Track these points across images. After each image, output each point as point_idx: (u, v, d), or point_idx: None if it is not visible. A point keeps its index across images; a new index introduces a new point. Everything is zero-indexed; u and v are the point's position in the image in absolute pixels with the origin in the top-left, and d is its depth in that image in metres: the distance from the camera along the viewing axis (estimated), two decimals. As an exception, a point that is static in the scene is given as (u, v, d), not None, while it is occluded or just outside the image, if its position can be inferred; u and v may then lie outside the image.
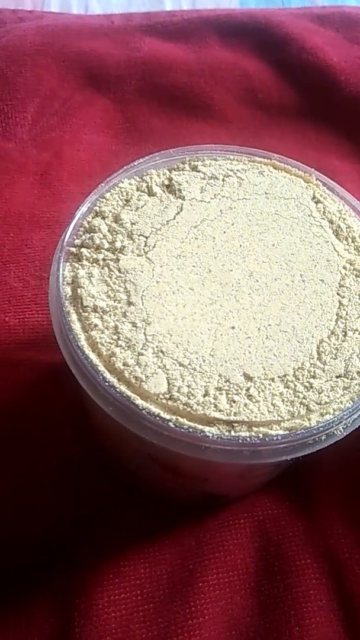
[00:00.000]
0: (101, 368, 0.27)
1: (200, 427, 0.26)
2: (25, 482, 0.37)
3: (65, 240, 0.30)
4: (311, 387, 0.27)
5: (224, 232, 0.31)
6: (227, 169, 0.34)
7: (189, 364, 0.27)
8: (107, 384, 0.26)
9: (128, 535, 0.36)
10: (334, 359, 0.28)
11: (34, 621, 0.34)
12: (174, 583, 0.35)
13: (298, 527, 0.37)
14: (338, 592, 0.36)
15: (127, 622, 0.34)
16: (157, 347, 0.27)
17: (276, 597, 0.35)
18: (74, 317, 0.28)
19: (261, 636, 0.34)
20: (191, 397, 0.26)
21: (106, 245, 0.30)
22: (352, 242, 0.32)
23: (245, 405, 0.26)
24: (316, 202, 0.33)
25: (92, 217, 0.31)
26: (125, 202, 0.32)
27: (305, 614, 0.35)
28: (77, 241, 0.30)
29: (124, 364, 0.27)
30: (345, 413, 0.27)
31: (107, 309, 0.28)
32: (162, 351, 0.27)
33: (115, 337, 0.28)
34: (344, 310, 0.30)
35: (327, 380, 0.28)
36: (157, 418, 0.26)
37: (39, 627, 0.34)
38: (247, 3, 0.70)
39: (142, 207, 0.32)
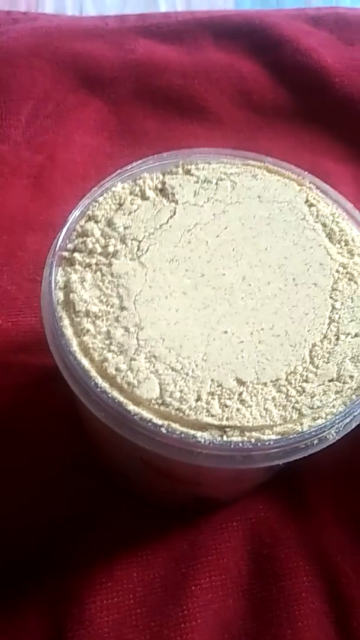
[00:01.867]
0: (93, 373, 0.27)
1: (192, 432, 0.26)
2: (17, 485, 0.37)
3: (58, 244, 0.30)
4: (303, 391, 0.27)
5: (217, 236, 0.31)
6: (221, 173, 0.34)
7: (182, 368, 0.27)
8: (99, 389, 0.26)
9: (120, 539, 0.36)
10: (327, 362, 0.28)
11: (26, 625, 0.34)
12: (166, 587, 0.35)
13: (290, 529, 0.38)
14: (330, 594, 0.36)
15: (119, 626, 0.34)
16: (149, 352, 0.27)
17: (269, 600, 0.35)
18: (66, 322, 0.28)
19: (254, 639, 0.34)
20: (183, 402, 0.26)
21: (99, 250, 0.30)
22: (345, 245, 0.32)
23: (238, 410, 0.26)
24: (309, 206, 0.33)
25: (85, 222, 0.31)
26: (118, 206, 0.32)
27: (298, 616, 0.35)
28: (69, 245, 0.30)
29: (116, 369, 0.27)
30: (337, 417, 0.27)
31: (100, 314, 0.28)
32: (154, 356, 0.27)
33: (107, 342, 0.27)
34: (337, 313, 0.30)
35: (320, 385, 0.28)
36: (149, 424, 0.26)
37: (31, 631, 0.34)
38: (242, 4, 0.70)
39: (135, 211, 0.32)
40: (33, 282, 0.43)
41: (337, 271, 0.31)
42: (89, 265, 0.30)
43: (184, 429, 0.26)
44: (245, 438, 0.26)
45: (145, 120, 0.55)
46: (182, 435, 0.26)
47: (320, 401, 0.27)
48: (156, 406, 0.26)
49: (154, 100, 0.56)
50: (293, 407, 0.27)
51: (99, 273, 0.29)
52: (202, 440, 0.26)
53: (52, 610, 0.34)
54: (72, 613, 0.34)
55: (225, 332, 0.28)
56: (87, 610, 0.34)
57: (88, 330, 0.28)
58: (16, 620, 0.34)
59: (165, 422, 0.26)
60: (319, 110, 0.57)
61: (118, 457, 0.35)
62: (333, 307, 0.30)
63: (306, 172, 0.35)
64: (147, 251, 0.30)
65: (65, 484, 0.37)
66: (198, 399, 0.27)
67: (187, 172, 0.34)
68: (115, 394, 0.26)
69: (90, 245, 0.30)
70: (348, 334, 0.29)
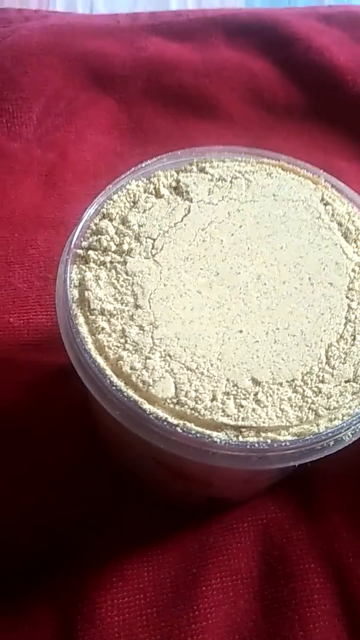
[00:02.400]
0: (108, 372, 0.26)
1: (207, 432, 0.26)
2: (28, 484, 0.37)
3: (73, 242, 0.30)
4: (320, 392, 0.27)
5: (232, 235, 0.31)
6: (235, 171, 0.34)
7: (197, 368, 0.27)
8: (114, 388, 0.26)
9: (131, 539, 0.36)
10: (343, 363, 0.28)
11: (36, 625, 0.34)
12: (177, 587, 0.35)
13: (302, 530, 0.37)
14: (342, 596, 0.35)
15: (130, 626, 0.34)
16: (164, 350, 0.27)
17: (280, 602, 0.35)
18: (81, 320, 0.28)
19: (265, 641, 0.34)
20: (199, 402, 0.26)
21: (113, 248, 0.30)
22: (361, 245, 0.32)
23: (253, 410, 0.26)
24: (325, 204, 0.33)
25: (100, 219, 0.31)
26: (132, 204, 0.32)
27: (309, 618, 0.35)
28: (84, 243, 0.30)
29: (131, 368, 0.27)
30: (354, 419, 0.27)
31: (115, 312, 0.28)
32: (169, 355, 0.27)
33: (122, 340, 0.27)
34: (353, 313, 0.29)
35: (336, 385, 0.27)
36: (165, 423, 0.25)
37: (41, 631, 0.34)
38: (253, 2, 0.69)
39: (149, 209, 0.31)
40: (44, 280, 0.43)
41: (354, 270, 0.31)
42: (103, 263, 0.30)
43: (200, 429, 0.26)
44: (261, 439, 0.26)
45: (156, 118, 0.55)
46: (198, 435, 0.25)
47: (337, 402, 0.27)
48: (171, 405, 0.26)
49: (165, 99, 0.56)
50: (309, 408, 0.27)
51: (113, 271, 0.29)
52: (218, 441, 0.25)
53: (62, 609, 0.34)
54: (83, 612, 0.34)
55: (241, 331, 0.28)
56: (98, 609, 0.34)
57: (103, 329, 0.28)
58: (27, 620, 0.34)
59: (181, 422, 0.26)
60: (330, 108, 0.57)
61: (131, 456, 0.34)
62: (349, 307, 0.30)
63: (321, 171, 0.34)
64: (161, 249, 0.30)
65: (76, 483, 0.37)
66: (213, 398, 0.26)
67: (202, 170, 0.34)
68: (130, 392, 0.26)
69: (104, 243, 0.30)
70: (364, 334, 0.29)
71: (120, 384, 0.26)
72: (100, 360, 0.27)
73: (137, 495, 0.37)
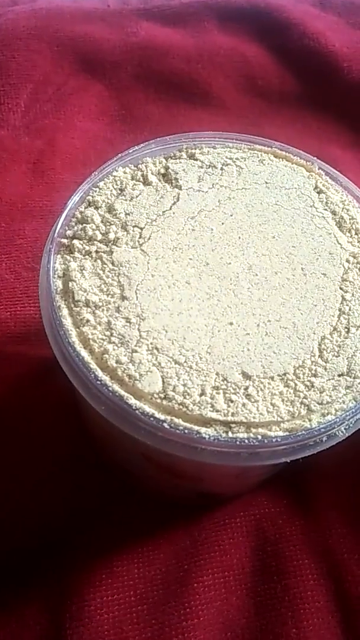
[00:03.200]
0: (93, 366, 0.26)
1: (196, 428, 0.25)
2: (15, 480, 0.36)
3: (57, 231, 0.29)
4: (312, 386, 0.26)
5: (222, 224, 0.30)
6: (226, 157, 0.33)
7: (185, 361, 0.26)
8: (99, 382, 0.25)
9: (121, 535, 0.36)
10: (336, 356, 0.27)
11: (25, 622, 0.33)
12: (168, 583, 0.35)
13: (296, 526, 0.37)
14: (336, 593, 0.35)
15: (120, 623, 0.33)
16: (151, 343, 0.26)
17: (273, 598, 0.35)
18: (65, 312, 0.27)
19: (257, 638, 0.34)
20: (187, 397, 0.25)
21: (99, 237, 0.29)
22: (356, 234, 0.31)
23: (244, 405, 0.25)
24: (318, 192, 0.32)
25: (85, 207, 0.30)
26: (119, 192, 0.31)
27: (303, 615, 0.34)
28: (68, 232, 0.29)
29: (117, 362, 0.26)
30: (347, 413, 0.26)
31: (100, 304, 0.27)
32: (156, 348, 0.26)
33: (108, 333, 0.26)
34: (347, 305, 0.29)
35: (329, 379, 0.26)
36: (151, 418, 0.25)
37: (30, 628, 0.33)
38: (247, -13, 0.68)
39: (137, 196, 0.30)
40: (32, 271, 0.42)
41: (348, 261, 0.30)
42: (88, 253, 0.29)
43: (188, 425, 0.25)
44: (252, 434, 0.25)
45: (147, 105, 0.54)
46: (186, 431, 0.25)
47: (330, 396, 0.26)
48: (158, 400, 0.25)
49: (156, 85, 0.54)
50: (301, 403, 0.26)
51: (99, 261, 0.28)
52: (207, 437, 0.25)
53: (51, 606, 0.33)
54: (72, 610, 0.33)
55: (231, 323, 0.27)
56: (87, 607, 0.33)
57: (88, 321, 0.27)
58: (15, 617, 0.33)
59: (168, 417, 0.25)
60: (325, 95, 0.56)
61: (119, 451, 0.34)
62: (343, 299, 0.29)
63: (315, 158, 0.34)
64: (149, 239, 0.29)
65: (65, 479, 0.36)
66: (202, 393, 0.25)
67: (191, 156, 0.33)
68: (116, 387, 0.25)
69: (90, 232, 0.29)
70: (359, 326, 0.28)
71: (105, 378, 0.25)
72: (84, 353, 0.26)
73: (127, 490, 0.37)
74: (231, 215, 0.31)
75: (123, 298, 0.27)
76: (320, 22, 0.58)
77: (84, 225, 0.29)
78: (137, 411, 0.25)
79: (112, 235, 0.29)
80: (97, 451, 0.37)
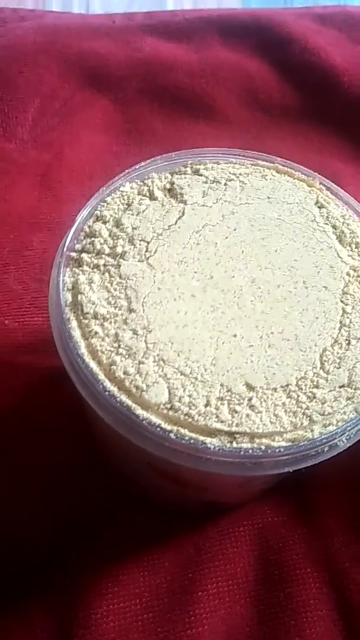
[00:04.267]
0: (101, 377, 0.26)
1: (201, 438, 0.25)
2: (22, 488, 0.37)
3: (66, 245, 0.30)
4: (314, 397, 0.27)
5: (226, 238, 0.31)
6: (230, 173, 0.33)
7: (190, 373, 0.27)
8: (107, 393, 0.26)
9: (127, 543, 0.36)
10: (338, 368, 0.28)
11: (31, 630, 0.34)
12: (173, 592, 0.35)
13: (299, 535, 0.37)
14: (339, 602, 0.35)
15: (126, 631, 0.34)
16: (158, 355, 0.27)
17: (276, 607, 0.35)
18: (74, 324, 0.28)
19: (261, 646, 0.34)
20: (192, 407, 0.26)
21: (107, 251, 0.30)
22: (356, 247, 0.32)
23: (247, 415, 0.26)
24: (319, 207, 0.33)
25: (93, 222, 0.31)
26: (126, 207, 0.31)
27: (306, 624, 0.34)
28: (77, 246, 0.30)
29: (124, 373, 0.26)
30: (348, 424, 0.26)
31: (108, 316, 0.28)
32: (163, 360, 0.27)
33: (115, 344, 0.27)
34: (348, 318, 0.29)
35: (331, 391, 0.27)
36: (158, 429, 0.25)
37: (36, 636, 0.33)
38: (249, 3, 0.69)
39: (143, 211, 0.31)
40: (40, 282, 0.43)
41: (348, 274, 0.31)
42: (97, 266, 0.29)
43: (193, 435, 0.25)
44: (255, 445, 0.25)
45: (152, 119, 0.55)
46: (191, 441, 0.25)
47: (331, 407, 0.27)
48: (165, 411, 0.26)
49: (160, 99, 0.55)
50: (303, 414, 0.26)
51: (107, 274, 0.29)
52: (212, 447, 0.25)
53: (57, 614, 0.34)
54: (78, 618, 0.33)
55: (235, 335, 0.28)
56: (93, 615, 0.34)
57: (96, 333, 0.27)
58: (22, 624, 0.34)
59: (174, 428, 0.25)
60: (327, 109, 0.57)
61: (125, 460, 0.34)
62: (344, 311, 0.29)
63: (316, 173, 0.34)
64: (155, 252, 0.30)
65: (71, 488, 0.37)
66: (207, 404, 0.26)
67: (196, 172, 0.33)
68: (123, 397, 0.26)
69: (98, 246, 0.30)
70: (359, 338, 0.29)
71: (113, 388, 0.26)
72: (93, 364, 0.27)
73: (133, 499, 0.37)
74: (235, 230, 0.31)
75: (130, 310, 0.28)
76: (321, 37, 0.59)
77: (93, 239, 0.30)
78: (144, 422, 0.25)
79: (119, 249, 0.30)
80: (104, 460, 0.37)
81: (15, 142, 0.51)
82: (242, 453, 0.25)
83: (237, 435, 0.26)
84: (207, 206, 0.32)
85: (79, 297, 0.28)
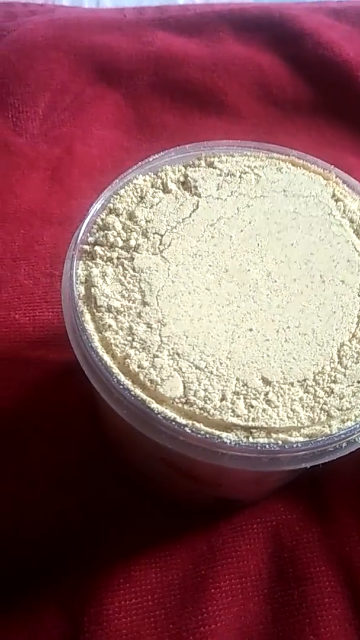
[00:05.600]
0: (115, 370, 0.26)
1: (217, 432, 0.25)
2: (33, 483, 0.37)
3: (79, 238, 0.29)
4: (332, 392, 0.26)
5: (241, 231, 0.30)
6: (244, 166, 0.33)
7: (206, 366, 0.26)
8: (121, 386, 0.25)
9: (139, 539, 0.36)
10: (356, 363, 0.27)
11: (43, 626, 0.33)
12: (185, 589, 0.35)
13: (313, 533, 0.37)
14: (354, 600, 0.35)
15: (137, 627, 0.33)
16: (172, 349, 0.27)
17: (290, 605, 0.35)
18: (87, 317, 0.27)
19: (275, 644, 0.34)
20: (208, 402, 0.25)
21: (120, 244, 0.29)
22: (373, 241, 0.31)
23: (264, 410, 0.26)
24: (336, 200, 0.33)
25: (106, 215, 0.30)
26: (139, 199, 0.31)
27: (320, 622, 0.34)
28: (90, 239, 0.30)
29: (138, 366, 0.26)
30: (367, 420, 0.26)
31: (122, 309, 0.27)
32: (177, 353, 0.26)
33: (129, 338, 0.27)
34: (365, 312, 0.29)
35: (349, 386, 0.27)
36: (173, 423, 0.25)
37: (48, 632, 0.33)
38: (261, -4, 0.69)
39: (157, 204, 0.31)
40: (50, 277, 0.43)
41: (366, 268, 0.30)
42: (110, 260, 0.29)
43: (209, 429, 0.25)
44: (272, 440, 0.25)
45: (164, 113, 0.54)
46: (207, 435, 0.25)
47: (350, 403, 0.26)
48: (180, 405, 0.25)
49: (172, 94, 0.55)
50: (321, 409, 0.26)
51: (120, 267, 0.29)
52: (228, 441, 0.25)
53: (69, 610, 0.34)
54: (90, 613, 0.33)
55: (250, 329, 0.28)
56: (105, 611, 0.33)
57: (110, 326, 0.27)
58: (33, 620, 0.33)
59: (190, 422, 0.25)
60: (340, 104, 0.56)
61: (138, 455, 0.34)
62: (362, 305, 0.29)
63: (332, 166, 0.34)
64: (169, 245, 0.29)
65: (83, 482, 0.37)
66: (223, 398, 0.26)
67: (210, 164, 0.33)
68: (138, 391, 0.26)
69: (111, 239, 0.29)
70: (377, 332, 0.28)
71: (127, 382, 0.26)
72: (107, 358, 0.26)
73: (145, 495, 0.37)
74: (250, 223, 0.31)
75: (144, 304, 0.28)
76: (335, 32, 0.58)
77: (106, 232, 0.30)
78: (158, 415, 0.25)
79: (133, 242, 0.29)
80: (116, 456, 0.37)
81: (25, 137, 0.51)
82: (258, 448, 0.25)
83: (254, 430, 0.25)
84: (221, 199, 0.31)
85: (92, 290, 0.28)
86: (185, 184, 0.32)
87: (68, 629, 0.33)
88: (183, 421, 0.25)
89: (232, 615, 0.34)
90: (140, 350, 0.26)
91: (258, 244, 0.30)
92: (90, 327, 0.27)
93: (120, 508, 0.36)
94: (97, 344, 0.27)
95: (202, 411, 0.25)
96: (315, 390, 0.26)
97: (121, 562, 0.35)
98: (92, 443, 0.38)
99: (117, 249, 0.29)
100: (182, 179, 0.32)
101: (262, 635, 0.34)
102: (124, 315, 0.27)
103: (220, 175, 0.32)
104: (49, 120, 0.51)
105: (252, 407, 0.26)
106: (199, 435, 0.25)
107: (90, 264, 0.29)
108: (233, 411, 0.25)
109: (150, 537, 0.36)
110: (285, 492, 0.37)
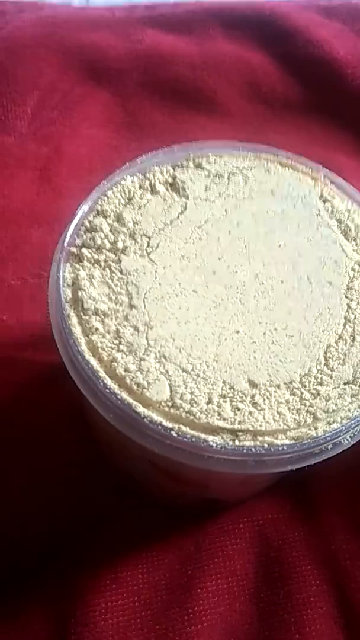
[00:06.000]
0: (102, 374, 0.26)
1: (203, 436, 0.25)
2: (21, 485, 0.37)
3: (66, 240, 0.29)
4: (318, 394, 0.26)
5: (229, 233, 0.30)
6: (233, 166, 0.33)
7: (192, 369, 0.26)
8: (108, 390, 0.25)
9: (126, 540, 0.36)
10: (342, 364, 0.27)
11: (30, 627, 0.33)
12: (172, 589, 0.35)
13: (299, 532, 0.37)
14: (339, 599, 0.35)
15: (124, 628, 0.33)
16: (159, 352, 0.27)
17: (276, 604, 0.35)
18: (74, 320, 0.27)
19: (261, 644, 0.34)
20: (194, 405, 0.25)
21: (108, 246, 0.29)
22: (361, 243, 0.31)
23: (250, 413, 0.26)
24: (324, 201, 0.33)
25: (94, 216, 0.30)
26: (127, 201, 0.31)
27: (306, 621, 0.34)
28: (78, 241, 0.30)
29: (125, 370, 0.26)
30: (353, 422, 0.26)
31: (109, 312, 0.27)
32: (164, 356, 0.26)
33: (116, 341, 0.27)
34: (352, 313, 0.29)
35: (335, 387, 0.27)
36: (159, 427, 0.25)
37: (35, 633, 0.33)
38: (252, -5, 0.68)
39: (144, 206, 0.31)
40: (39, 278, 0.43)
41: (353, 269, 0.30)
42: (97, 262, 0.29)
43: (195, 433, 0.25)
44: (258, 443, 0.25)
45: (153, 112, 0.54)
46: (193, 439, 0.25)
47: (336, 405, 0.26)
48: (166, 408, 0.25)
49: (161, 92, 0.55)
50: (307, 411, 0.26)
51: (107, 270, 0.29)
52: (214, 445, 0.25)
53: (55, 611, 0.34)
54: (76, 615, 0.33)
55: (237, 332, 0.28)
56: (92, 612, 0.33)
57: (97, 329, 0.27)
58: (20, 621, 0.33)
59: (176, 425, 0.25)
60: (330, 103, 0.56)
61: (125, 458, 0.34)
62: (349, 307, 0.29)
63: (321, 166, 0.34)
64: (157, 247, 0.29)
65: (70, 485, 0.37)
66: (209, 401, 0.26)
67: (198, 165, 0.33)
68: (124, 395, 0.25)
69: (99, 241, 0.29)
70: (364, 335, 0.28)
71: (114, 386, 0.26)
72: (93, 361, 0.26)
73: (132, 496, 0.37)
74: (238, 225, 0.31)
75: (131, 306, 0.28)
76: (325, 30, 0.58)
77: (93, 234, 0.29)
78: (145, 419, 0.25)
79: (120, 244, 0.29)
80: (103, 458, 0.37)
81: (14, 136, 0.50)
82: (244, 451, 0.25)
83: (240, 433, 0.25)
84: (209, 200, 0.31)
85: (80, 293, 0.28)
86: (173, 186, 0.32)
87: (55, 630, 0.33)
88: (169, 425, 0.25)
89: (218, 615, 0.34)
90: (127, 353, 0.26)
91: (246, 246, 0.30)
92: (77, 330, 0.27)
93: (107, 509, 0.36)
94: (83, 347, 0.26)
95: (188, 414, 0.25)
96: (302, 393, 0.26)
97: (108, 563, 0.35)
98: (80, 445, 0.38)
99: (104, 251, 0.29)
100: (170, 180, 0.32)
101: (248, 635, 0.34)
102: (111, 318, 0.27)
103: (209, 176, 0.32)
104: (37, 119, 0.51)
105: (239, 410, 0.26)
106: (185, 439, 0.25)
107: (77, 266, 0.29)
108: (219, 414, 0.25)
109: (137, 537, 0.36)
110: (271, 492, 0.37)
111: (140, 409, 0.25)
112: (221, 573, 0.35)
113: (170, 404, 0.25)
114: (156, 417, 0.25)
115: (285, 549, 0.36)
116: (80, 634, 0.33)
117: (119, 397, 0.25)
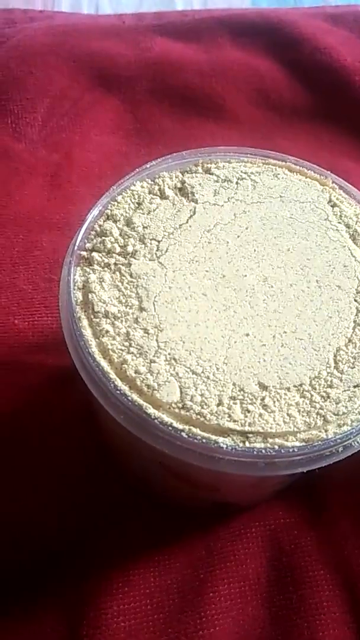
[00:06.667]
0: (112, 376, 0.26)
1: (213, 437, 0.25)
2: (33, 488, 0.37)
3: (77, 244, 0.30)
4: (328, 397, 0.27)
5: (238, 237, 0.31)
6: (241, 172, 0.33)
7: (202, 372, 0.26)
8: (118, 392, 0.26)
9: (138, 544, 0.36)
10: (352, 367, 0.27)
11: (42, 629, 0.33)
12: (184, 593, 0.35)
13: (311, 537, 0.37)
14: (352, 604, 0.35)
15: (136, 632, 0.33)
16: (169, 354, 0.27)
17: (288, 609, 0.35)
18: (85, 322, 0.27)
19: (273, 648, 0.34)
20: (204, 407, 0.26)
21: (118, 250, 0.30)
22: (369, 247, 0.31)
23: (260, 415, 0.26)
24: (332, 206, 0.33)
25: (104, 221, 0.31)
26: (137, 205, 0.31)
27: (319, 626, 0.34)
28: (88, 245, 0.30)
29: (135, 372, 0.26)
30: (363, 424, 0.26)
31: (119, 315, 0.28)
32: (174, 359, 0.27)
33: (126, 343, 0.27)
34: (361, 317, 0.29)
35: (345, 390, 0.27)
36: (170, 428, 0.25)
37: (47, 635, 0.33)
38: (260, 2, 0.69)
39: (154, 210, 0.31)
40: (49, 282, 0.43)
41: (362, 273, 0.30)
42: (107, 265, 0.29)
43: (205, 434, 0.25)
44: (268, 444, 0.25)
45: (162, 119, 0.54)
46: (204, 440, 0.25)
47: (346, 407, 0.26)
48: (177, 410, 0.26)
49: (170, 99, 0.55)
50: (317, 414, 0.26)
51: (117, 273, 0.29)
52: (224, 446, 0.25)
53: (68, 614, 0.34)
54: (89, 618, 0.33)
55: (247, 334, 0.28)
56: (104, 615, 0.33)
57: (107, 332, 0.27)
58: (32, 624, 0.34)
59: (186, 427, 0.25)
60: (337, 109, 0.57)
61: (136, 460, 0.34)
62: (358, 310, 0.29)
63: (329, 172, 0.34)
64: (166, 251, 0.30)
65: (81, 487, 0.37)
66: (219, 403, 0.26)
67: (207, 171, 0.33)
68: (134, 397, 0.26)
69: (109, 245, 0.30)
70: (373, 337, 0.28)
71: (124, 387, 0.26)
72: (104, 363, 0.26)
73: (143, 499, 0.37)
74: (246, 229, 0.31)
75: (141, 309, 0.28)
76: (332, 37, 0.59)
77: (103, 238, 0.30)
78: (155, 420, 0.25)
79: (130, 248, 0.30)
80: (114, 460, 0.37)
81: (25, 143, 0.51)
82: (255, 453, 0.25)
83: (250, 435, 0.25)
84: (218, 205, 0.32)
85: (90, 296, 0.28)
86: (182, 190, 0.32)
87: (66, 632, 0.33)
88: (180, 426, 0.25)
89: (231, 619, 0.34)
90: (137, 355, 0.27)
91: (255, 250, 0.30)
92: (87, 332, 0.27)
93: (118, 512, 0.36)
94: (94, 349, 0.27)
95: (198, 416, 0.25)
96: (312, 395, 0.27)
97: (120, 566, 0.35)
98: (91, 448, 0.38)
99: (114, 255, 0.30)
100: (179, 185, 0.32)
101: (260, 639, 0.34)
102: (121, 320, 0.28)
103: (217, 181, 0.33)
104: (48, 126, 0.52)
105: (249, 412, 0.26)
106: (195, 440, 0.25)
107: (87, 270, 0.29)
108: (229, 416, 0.26)
109: (148, 541, 0.36)
110: (283, 496, 0.37)
111: (151, 410, 0.25)
112: (233, 577, 0.35)
113: (180, 405, 0.26)
114: (167, 419, 0.25)
115: (298, 554, 0.36)
116: (92, 637, 0.33)
117: (129, 398, 0.26)
